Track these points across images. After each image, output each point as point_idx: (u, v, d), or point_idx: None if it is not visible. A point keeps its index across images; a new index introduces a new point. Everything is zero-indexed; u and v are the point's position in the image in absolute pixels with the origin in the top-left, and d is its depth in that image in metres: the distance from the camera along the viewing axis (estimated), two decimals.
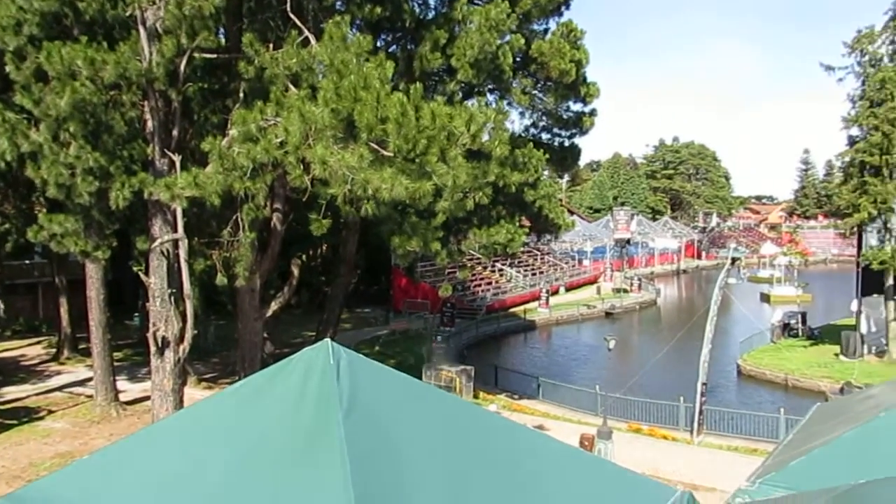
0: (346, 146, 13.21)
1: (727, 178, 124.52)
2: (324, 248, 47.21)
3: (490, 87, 21.79)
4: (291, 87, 14.23)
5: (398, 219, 16.84)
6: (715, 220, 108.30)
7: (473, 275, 51.25)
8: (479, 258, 34.95)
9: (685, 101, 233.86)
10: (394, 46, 20.72)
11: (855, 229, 33.78)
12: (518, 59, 21.45)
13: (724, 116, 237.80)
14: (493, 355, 36.59)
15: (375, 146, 13.08)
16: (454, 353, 31.91)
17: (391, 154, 13.25)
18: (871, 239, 33.28)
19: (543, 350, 42.84)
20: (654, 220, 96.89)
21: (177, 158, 14.26)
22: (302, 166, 13.52)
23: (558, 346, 43.64)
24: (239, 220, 16.38)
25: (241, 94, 15.45)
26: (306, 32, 14.30)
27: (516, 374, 30.05)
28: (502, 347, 41.91)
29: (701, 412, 21.70)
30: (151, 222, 15.13)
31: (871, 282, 33.46)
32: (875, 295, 33.80)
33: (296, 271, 22.21)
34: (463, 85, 20.14)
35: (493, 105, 19.38)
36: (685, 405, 22.45)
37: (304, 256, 43.09)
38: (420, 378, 26.79)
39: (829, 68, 32.64)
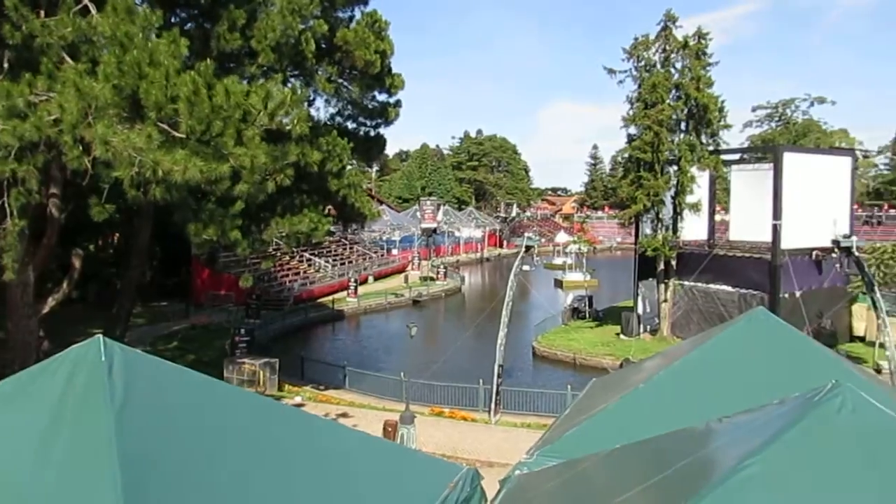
0: (132, 126, 12.27)
1: (526, 171, 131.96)
2: (116, 237, 43.60)
3: (293, 72, 21.26)
4: (68, 59, 12.92)
5: (194, 205, 15.94)
6: (515, 210, 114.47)
7: (280, 265, 50.01)
8: (287, 248, 34.15)
9: (489, 95, 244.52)
10: (189, 24, 19.52)
11: (633, 219, 37.20)
12: (323, 46, 21.14)
13: (522, 112, 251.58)
14: (301, 346, 35.98)
15: (166, 127, 12.28)
16: (259, 345, 30.94)
17: (183, 135, 12.51)
18: (646, 228, 36.85)
19: (351, 339, 42.86)
20: (460, 210, 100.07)
21: None
22: (81, 147, 12.34)
23: (366, 334, 43.87)
24: (6, 206, 14.62)
25: (6, 64, 13.76)
26: (85, 0, 13.04)
27: (323, 364, 29.78)
28: (310, 338, 41.34)
29: (498, 393, 22.90)
30: None
31: (646, 267, 37.08)
32: (650, 279, 37.55)
33: (77, 263, 20.26)
34: (264, 69, 19.46)
35: (298, 93, 18.95)
36: (484, 387, 23.57)
37: (91, 246, 39.56)
38: (221, 373, 25.69)
39: (610, 71, 35.60)
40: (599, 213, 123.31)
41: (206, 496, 3.69)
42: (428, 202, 71.33)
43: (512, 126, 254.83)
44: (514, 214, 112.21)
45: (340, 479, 4.40)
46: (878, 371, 27.47)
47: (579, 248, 68.71)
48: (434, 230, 70.24)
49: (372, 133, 24.58)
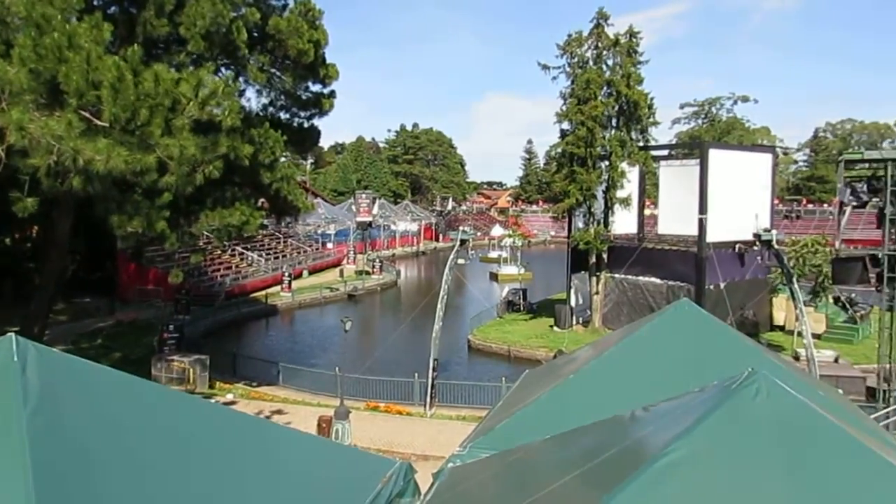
0: (50, 113, 11.74)
1: (462, 165, 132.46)
2: (34, 229, 41.65)
3: (224, 61, 20.73)
4: None
5: (118, 196, 15.38)
6: (451, 204, 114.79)
7: (211, 259, 48.82)
8: (218, 242, 33.35)
9: (425, 88, 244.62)
10: (113, 8, 18.78)
11: (566, 213, 37.84)
12: (255, 34, 20.70)
13: (458, 105, 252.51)
14: (233, 342, 35.26)
15: (87, 114, 11.79)
16: (189, 342, 30.13)
17: (107, 123, 12.05)
18: (579, 222, 37.55)
19: (286, 335, 42.25)
20: (396, 203, 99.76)
21: None
22: None
23: (301, 329, 43.31)
24: None
25: None
26: None
27: (256, 360, 29.26)
28: (243, 334, 40.55)
29: (433, 386, 22.97)
30: None
31: (579, 260, 37.79)
32: (582, 272, 38.28)
33: None
34: (194, 57, 18.90)
35: (230, 83, 18.47)
36: (419, 381, 23.60)
37: (7, 239, 37.71)
38: (149, 371, 24.92)
39: (545, 67, 36.06)
40: (534, 207, 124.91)
41: (124, 501, 3.56)
42: (363, 195, 70.71)
43: (448, 120, 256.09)
44: (449, 208, 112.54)
45: (269, 478, 4.32)
46: (797, 358, 28.75)
47: (514, 242, 69.43)
48: (369, 224, 69.74)
49: (306, 124, 24.22)
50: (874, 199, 23.50)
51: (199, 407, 5.10)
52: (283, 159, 23.75)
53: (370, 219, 70.07)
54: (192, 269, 43.60)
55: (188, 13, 17.31)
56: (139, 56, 12.27)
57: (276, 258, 57.93)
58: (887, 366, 23.56)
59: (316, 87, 23.62)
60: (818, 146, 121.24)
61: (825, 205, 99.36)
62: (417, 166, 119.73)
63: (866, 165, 25.35)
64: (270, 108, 23.50)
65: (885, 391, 23.39)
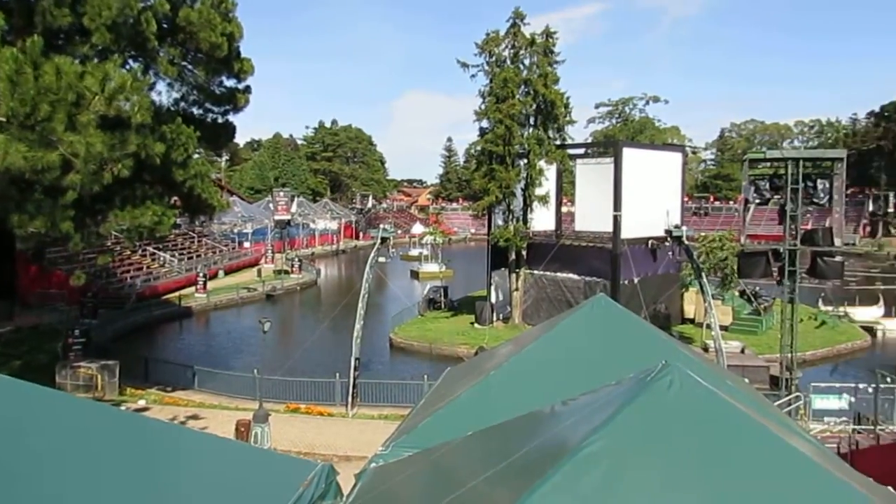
0: None
1: (382, 162, 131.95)
2: None
3: (132, 54, 19.89)
4: None
5: (17, 195, 14.52)
6: (371, 201, 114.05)
7: (121, 259, 46.89)
8: (129, 242, 32.02)
9: (344, 84, 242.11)
10: None
11: (486, 211, 38.25)
12: (165, 26, 19.95)
13: (377, 102, 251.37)
14: (145, 346, 33.95)
15: None
16: (97, 347, 28.82)
17: (3, 118, 11.36)
18: (499, 219, 38.05)
19: (201, 337, 41.00)
20: (315, 201, 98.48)
21: None
22: None
23: (217, 331, 42.14)
24: None
25: None
26: None
27: (170, 364, 28.25)
28: (155, 337, 39.10)
29: (355, 386, 22.79)
30: None
31: (499, 257, 38.28)
32: (502, 268, 38.78)
33: None
34: (99, 49, 18.04)
35: (139, 77, 17.72)
36: (341, 381, 23.36)
37: None
38: (54, 378, 23.69)
39: (463, 65, 36.30)
40: (454, 205, 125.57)
41: None
42: (281, 193, 69.49)
43: (367, 116, 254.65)
44: (370, 206, 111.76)
45: (183, 486, 4.16)
46: (706, 350, 30.05)
47: (435, 240, 69.73)
48: (288, 222, 68.58)
49: (220, 120, 23.55)
50: (776, 197, 24.78)
51: (107, 415, 4.86)
52: (196, 156, 23.01)
53: (288, 217, 68.93)
54: (100, 271, 41.80)
55: (92, 3, 16.51)
56: (39, 47, 11.61)
57: (190, 258, 56.15)
58: (789, 355, 24.90)
59: (231, 82, 23.01)
60: (724, 146, 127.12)
61: (731, 202, 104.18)
62: (337, 164, 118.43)
63: (768, 164, 26.72)
64: (182, 104, 22.71)
65: (787, 379, 24.72)
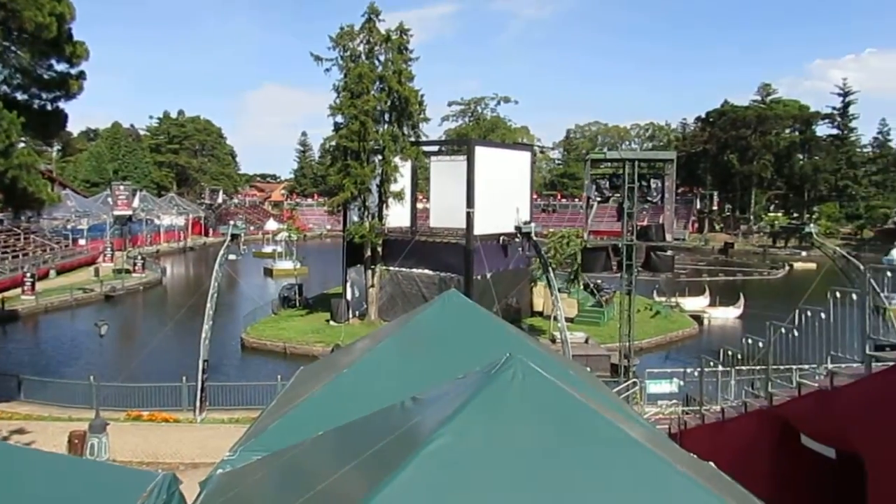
0: None
1: (233, 156, 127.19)
2: None
3: None
4: None
5: None
6: (222, 196, 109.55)
7: None
8: None
9: (191, 74, 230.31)
10: None
11: (341, 207, 37.93)
12: None
13: (228, 94, 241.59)
14: None
15: None
16: None
17: None
18: (354, 216, 37.86)
19: (29, 343, 37.68)
20: (160, 195, 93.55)
21: None
22: None
23: (48, 336, 38.90)
24: None
25: None
26: None
27: None
28: None
29: (203, 390, 21.82)
30: None
31: (355, 254, 38.12)
32: (358, 265, 38.62)
33: None
34: None
35: None
36: (188, 385, 22.29)
37: None
38: None
39: (317, 59, 35.74)
40: (309, 201, 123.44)
41: None
42: (122, 187, 65.23)
43: (217, 108, 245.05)
44: (220, 201, 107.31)
45: None
46: (553, 341, 31.51)
47: (289, 236, 68.35)
48: (129, 218, 64.56)
49: (49, 107, 21.70)
50: (616, 195, 26.44)
51: None
52: (21, 145, 21.08)
53: (130, 212, 65.00)
54: None
55: None
56: None
57: (16, 257, 51.41)
58: (627, 344, 26.67)
59: (61, 67, 21.29)
60: (570, 146, 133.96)
61: (577, 199, 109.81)
62: (184, 156, 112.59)
63: (609, 164, 28.44)
64: (5, 88, 20.72)
65: (625, 366, 26.46)
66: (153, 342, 27.24)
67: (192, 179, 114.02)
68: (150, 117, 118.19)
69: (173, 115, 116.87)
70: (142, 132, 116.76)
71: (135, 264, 57.39)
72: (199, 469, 14.41)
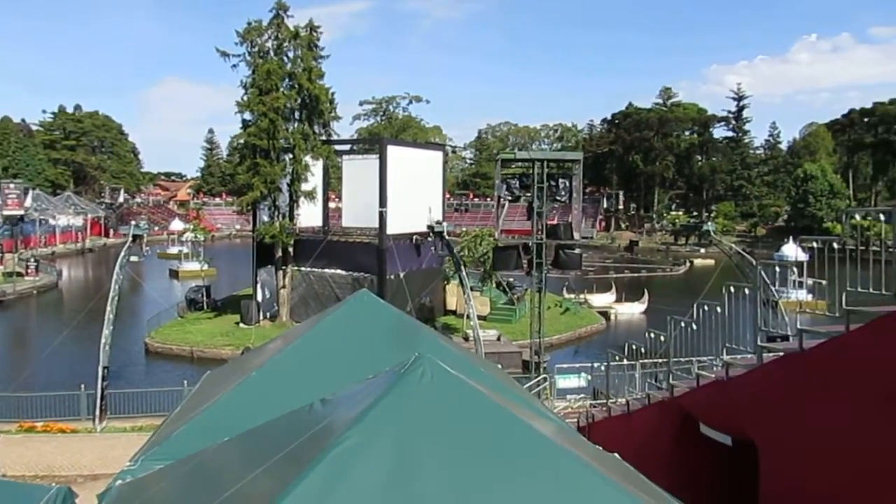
0: None
1: (135, 153, 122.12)
2: None
3: None
4: None
5: None
6: (123, 196, 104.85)
7: None
8: None
9: (88, 68, 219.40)
10: None
11: (250, 206, 37.06)
12: None
13: (129, 89, 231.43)
14: None
15: None
16: None
17: None
18: (264, 215, 37.09)
19: None
20: (55, 194, 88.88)
21: None
22: None
23: None
24: None
25: None
26: None
27: None
28: None
29: (103, 398, 20.87)
30: None
31: (265, 254, 37.33)
32: (269, 266, 37.83)
33: None
34: None
35: None
36: (87, 393, 21.24)
37: None
38: None
39: (224, 54, 34.78)
40: (217, 200, 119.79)
41: None
42: (12, 185, 61.67)
43: (117, 103, 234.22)
44: (121, 200, 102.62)
45: None
46: (466, 339, 31.82)
47: (195, 237, 66.32)
48: (21, 218, 61.06)
49: None
50: (526, 194, 26.94)
51: None
52: None
53: (22, 212, 61.70)
54: None
55: None
56: None
57: None
58: (537, 340, 27.24)
59: None
60: (481, 145, 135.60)
61: (489, 198, 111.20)
62: (81, 154, 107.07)
63: (519, 164, 28.96)
64: None
65: (536, 363, 27.03)
66: (48, 349, 25.82)
67: (91, 178, 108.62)
68: (44, 112, 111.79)
69: (69, 110, 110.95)
70: (34, 128, 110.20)
71: (27, 267, 54.45)
72: (99, 481, 13.75)
